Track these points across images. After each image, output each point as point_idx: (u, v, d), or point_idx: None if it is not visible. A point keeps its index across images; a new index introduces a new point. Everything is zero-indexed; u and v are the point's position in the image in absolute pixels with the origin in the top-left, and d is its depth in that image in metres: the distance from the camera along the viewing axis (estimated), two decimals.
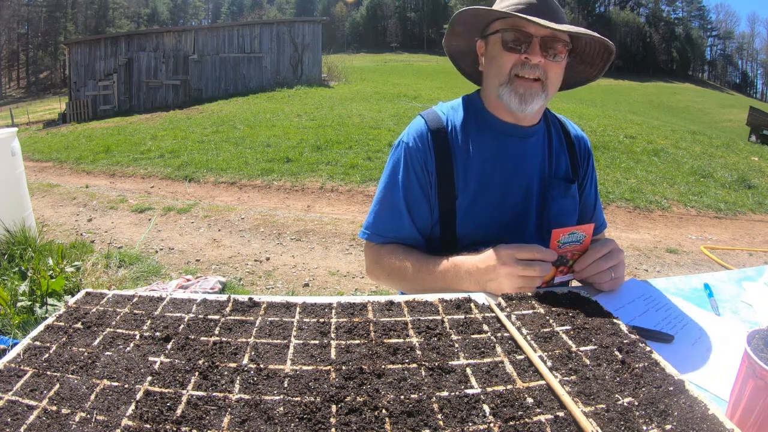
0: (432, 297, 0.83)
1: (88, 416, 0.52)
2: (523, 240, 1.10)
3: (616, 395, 0.58)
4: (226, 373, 0.61)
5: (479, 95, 1.16)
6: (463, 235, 1.08)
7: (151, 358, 0.63)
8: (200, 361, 0.63)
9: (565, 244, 0.91)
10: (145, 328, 0.71)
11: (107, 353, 0.64)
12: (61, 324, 0.72)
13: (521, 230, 1.10)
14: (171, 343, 0.67)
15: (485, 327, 0.74)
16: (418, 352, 0.66)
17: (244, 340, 0.68)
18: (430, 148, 1.08)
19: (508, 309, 0.80)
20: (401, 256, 1.07)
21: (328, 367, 0.62)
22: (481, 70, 1.15)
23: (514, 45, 1.00)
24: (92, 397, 0.56)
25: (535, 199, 1.11)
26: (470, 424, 0.53)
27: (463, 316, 0.77)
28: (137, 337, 0.68)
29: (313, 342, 0.68)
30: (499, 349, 0.68)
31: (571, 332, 0.73)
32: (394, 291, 1.21)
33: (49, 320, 0.73)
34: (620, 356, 0.66)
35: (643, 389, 0.59)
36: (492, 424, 0.53)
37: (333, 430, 0.52)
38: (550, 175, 1.13)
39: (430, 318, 0.76)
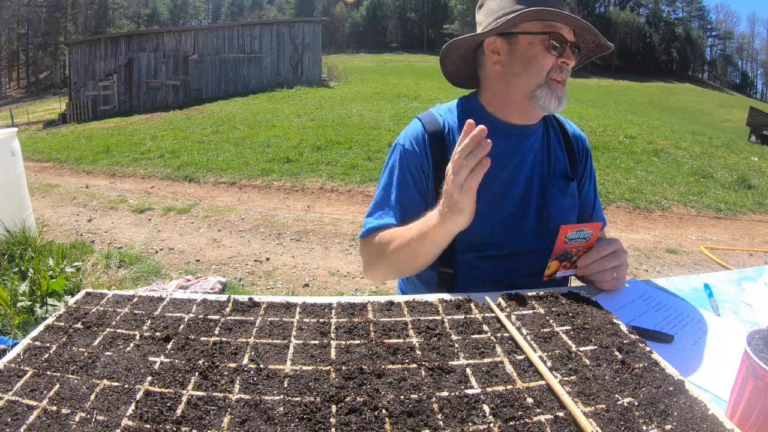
0: (432, 297, 0.83)
1: (88, 416, 0.52)
2: (523, 238, 1.11)
3: (616, 395, 0.58)
4: (226, 373, 0.61)
5: (476, 97, 1.15)
6: (462, 235, 1.08)
7: (151, 358, 0.63)
8: (200, 361, 0.63)
9: (572, 240, 0.91)
10: (145, 328, 0.71)
11: (107, 353, 0.64)
12: (61, 324, 0.72)
13: (521, 228, 1.11)
14: (171, 343, 0.67)
15: (485, 327, 0.74)
16: (418, 352, 0.66)
17: (244, 340, 0.68)
18: (427, 150, 1.08)
19: (508, 309, 0.80)
20: (388, 234, 1.06)
21: (328, 367, 0.62)
22: (467, 69, 1.14)
23: (558, 47, 1.01)
24: (92, 397, 0.56)
25: (534, 197, 1.12)
26: (470, 424, 0.53)
27: (463, 316, 0.77)
28: (137, 337, 0.68)
29: (313, 342, 0.68)
30: (499, 349, 0.68)
31: (571, 332, 0.73)
32: (393, 286, 1.20)
33: (49, 320, 0.73)
34: (620, 356, 0.66)
35: (643, 389, 0.59)
36: (492, 424, 0.53)
37: (333, 430, 0.52)
38: (549, 173, 1.13)
39: (430, 318, 0.76)
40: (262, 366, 0.62)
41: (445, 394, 0.58)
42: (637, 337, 0.71)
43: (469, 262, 1.09)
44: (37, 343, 0.67)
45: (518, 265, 1.09)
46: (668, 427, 0.53)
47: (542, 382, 0.61)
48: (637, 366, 0.63)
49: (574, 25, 1.02)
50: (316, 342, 0.68)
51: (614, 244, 0.96)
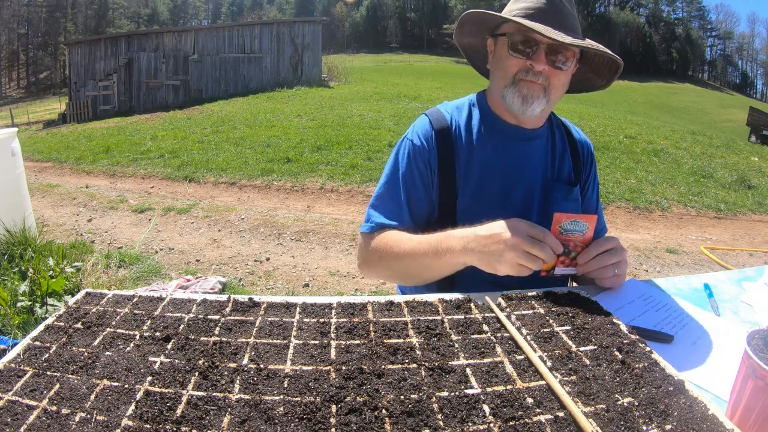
0: (432, 297, 0.83)
1: (88, 416, 0.52)
2: None
3: (616, 395, 0.58)
4: (226, 373, 0.61)
5: (485, 95, 1.15)
6: None
7: (151, 358, 0.63)
8: (200, 361, 0.63)
9: (567, 232, 0.90)
10: (145, 328, 0.71)
11: (107, 353, 0.64)
12: (61, 324, 0.72)
13: None
14: (171, 343, 0.67)
15: (485, 327, 0.74)
16: (418, 352, 0.66)
17: (244, 340, 0.68)
18: (434, 147, 1.08)
19: (508, 309, 0.80)
20: (395, 236, 1.05)
21: (328, 367, 0.62)
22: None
23: (521, 50, 0.99)
24: (92, 397, 0.56)
25: (536, 201, 1.11)
26: (470, 424, 0.53)
27: (463, 316, 0.77)
28: (137, 337, 0.68)
29: (313, 342, 0.68)
30: (499, 349, 0.68)
31: (571, 332, 0.73)
32: (392, 286, 1.19)
33: (49, 320, 0.73)
34: (620, 356, 0.66)
35: (643, 389, 0.59)
36: (492, 424, 0.53)
37: (333, 430, 0.52)
38: (552, 178, 1.13)
39: (430, 318, 0.76)
40: (262, 366, 0.62)
41: (445, 394, 0.58)
42: (637, 337, 0.71)
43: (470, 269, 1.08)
44: (37, 343, 0.67)
45: None
46: (668, 427, 0.53)
47: (542, 382, 0.61)
48: (637, 366, 0.63)
49: (549, 40, 0.96)
50: (316, 342, 0.68)
51: (613, 240, 0.96)
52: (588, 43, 0.99)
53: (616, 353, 0.67)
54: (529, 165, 1.11)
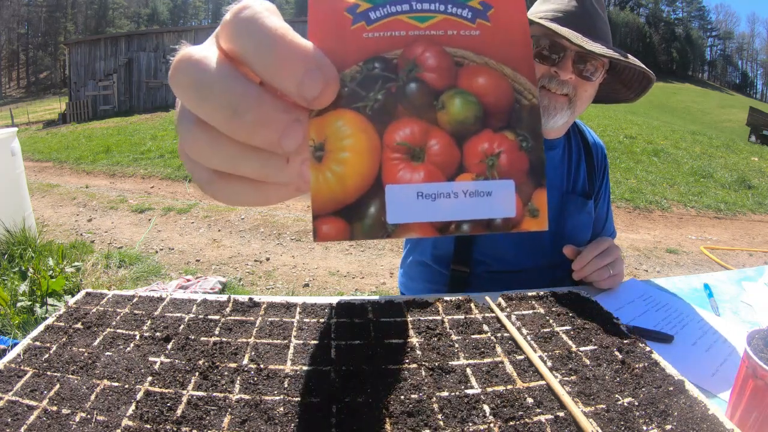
0: (432, 297, 0.83)
1: (88, 416, 0.52)
2: (534, 256, 1.06)
3: (616, 395, 0.58)
4: (226, 373, 0.61)
5: None
6: (479, 245, 1.04)
7: (151, 359, 0.63)
8: (200, 362, 0.63)
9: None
10: (145, 328, 0.71)
11: (107, 353, 0.64)
12: (61, 324, 0.72)
13: (534, 245, 1.06)
14: (171, 343, 0.67)
15: (485, 327, 0.74)
16: (418, 352, 0.66)
17: (244, 340, 0.68)
18: None
19: (508, 309, 0.80)
20: None
21: (328, 367, 0.62)
22: None
23: (546, 56, 0.91)
24: (92, 397, 0.56)
25: (551, 213, 1.07)
26: (470, 424, 0.53)
27: (463, 317, 0.77)
28: (137, 337, 0.68)
29: (313, 342, 0.68)
30: (499, 349, 0.68)
31: (571, 332, 0.73)
32: (393, 286, 1.18)
33: (49, 320, 0.73)
34: (620, 356, 0.66)
35: (643, 389, 0.59)
36: (492, 424, 0.53)
37: (333, 430, 0.52)
38: (568, 191, 1.09)
39: (430, 318, 0.76)
40: (262, 366, 0.62)
41: (445, 394, 0.58)
42: (637, 337, 0.71)
43: (481, 275, 1.06)
44: (37, 343, 0.67)
45: (530, 280, 1.06)
46: (668, 427, 0.53)
47: (542, 382, 0.61)
48: (637, 366, 0.63)
49: (578, 47, 0.88)
50: (316, 342, 0.68)
51: (605, 241, 0.95)
52: (621, 55, 0.92)
53: (616, 353, 0.67)
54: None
